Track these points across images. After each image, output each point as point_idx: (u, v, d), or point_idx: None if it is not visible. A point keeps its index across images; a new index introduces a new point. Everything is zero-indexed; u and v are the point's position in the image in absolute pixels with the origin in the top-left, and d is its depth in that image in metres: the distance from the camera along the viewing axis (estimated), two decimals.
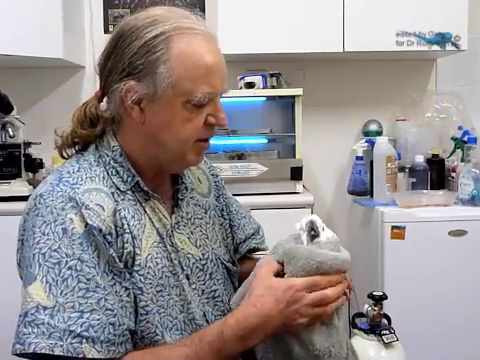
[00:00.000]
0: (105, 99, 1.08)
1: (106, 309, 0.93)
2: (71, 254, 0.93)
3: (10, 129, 2.39)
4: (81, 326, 0.90)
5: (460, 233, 2.23)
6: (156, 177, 1.10)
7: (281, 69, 2.58)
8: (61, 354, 0.89)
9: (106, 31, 2.82)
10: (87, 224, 0.95)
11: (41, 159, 2.48)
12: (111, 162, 1.05)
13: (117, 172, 1.04)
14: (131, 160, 1.06)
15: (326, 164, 2.85)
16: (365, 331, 1.35)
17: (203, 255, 1.13)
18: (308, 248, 0.97)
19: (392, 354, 1.33)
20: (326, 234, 0.99)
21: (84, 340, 0.90)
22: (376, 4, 2.48)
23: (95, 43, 2.78)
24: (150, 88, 0.99)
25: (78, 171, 1.02)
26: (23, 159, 2.42)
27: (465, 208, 2.31)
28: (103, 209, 0.97)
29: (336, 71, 2.82)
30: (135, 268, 1.00)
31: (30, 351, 0.89)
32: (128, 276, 0.99)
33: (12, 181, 2.36)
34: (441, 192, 2.46)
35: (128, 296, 0.98)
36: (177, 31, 0.99)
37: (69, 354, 0.89)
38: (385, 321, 1.37)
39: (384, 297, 1.38)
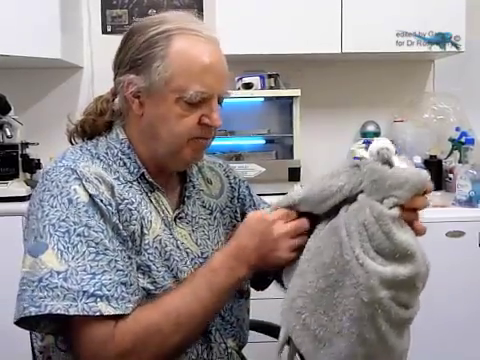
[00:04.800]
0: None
1: (117, 270, 0.96)
2: (78, 222, 0.96)
3: (8, 129, 2.39)
4: (94, 286, 0.93)
5: (457, 234, 2.24)
6: (162, 173, 1.13)
7: (279, 70, 2.59)
8: (76, 314, 0.91)
9: (104, 32, 2.81)
10: (90, 195, 0.99)
11: (39, 159, 2.47)
12: (119, 154, 1.09)
13: (124, 163, 1.09)
14: (137, 153, 1.10)
15: (324, 165, 2.80)
16: None
17: (202, 254, 1.14)
18: (417, 170, 0.93)
19: None
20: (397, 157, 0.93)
21: (98, 299, 0.92)
22: (374, 5, 2.48)
23: (93, 44, 2.79)
24: (146, 81, 1.04)
25: (80, 155, 1.07)
26: (21, 159, 2.42)
27: (462, 209, 2.32)
28: (100, 183, 1.01)
29: (334, 72, 2.82)
30: (144, 247, 1.03)
31: (46, 312, 0.91)
32: (131, 245, 1.01)
33: (9, 182, 2.36)
34: (438, 193, 2.46)
35: (131, 265, 1.00)
36: (179, 31, 1.04)
37: (85, 313, 0.91)
38: None
39: None
